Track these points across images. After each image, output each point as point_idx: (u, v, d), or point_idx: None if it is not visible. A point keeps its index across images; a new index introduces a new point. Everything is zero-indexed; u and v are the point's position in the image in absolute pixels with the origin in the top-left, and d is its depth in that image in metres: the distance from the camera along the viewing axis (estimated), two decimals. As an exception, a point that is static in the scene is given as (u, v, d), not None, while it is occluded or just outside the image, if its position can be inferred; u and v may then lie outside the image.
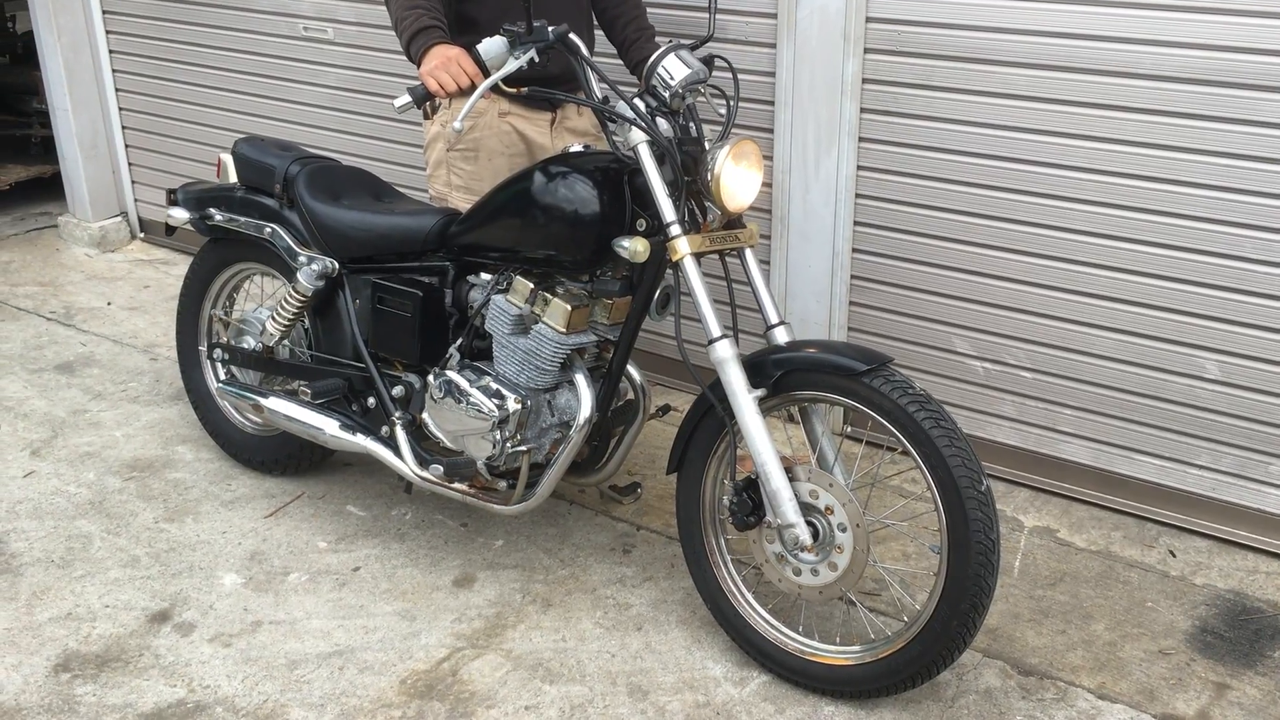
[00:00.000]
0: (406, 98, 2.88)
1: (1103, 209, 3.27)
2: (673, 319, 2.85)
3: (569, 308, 2.97)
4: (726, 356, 2.73)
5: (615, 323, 3.11)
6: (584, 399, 3.03)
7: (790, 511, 2.69)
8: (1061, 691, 2.83)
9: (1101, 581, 3.23)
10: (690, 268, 2.78)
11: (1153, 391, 3.36)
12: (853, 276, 3.77)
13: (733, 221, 2.89)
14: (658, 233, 2.80)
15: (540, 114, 3.47)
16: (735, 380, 2.73)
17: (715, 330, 2.76)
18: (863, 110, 3.57)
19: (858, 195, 3.67)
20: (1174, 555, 3.33)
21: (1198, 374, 3.27)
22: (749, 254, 2.95)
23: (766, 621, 2.91)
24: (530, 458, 3.10)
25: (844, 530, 2.69)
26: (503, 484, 3.16)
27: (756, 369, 2.77)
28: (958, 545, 2.56)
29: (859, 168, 3.64)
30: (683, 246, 2.76)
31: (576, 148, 3.02)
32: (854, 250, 3.74)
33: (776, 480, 2.70)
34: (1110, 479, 3.49)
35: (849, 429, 3.67)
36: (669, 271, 2.89)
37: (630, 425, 3.23)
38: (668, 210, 2.76)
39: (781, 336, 2.88)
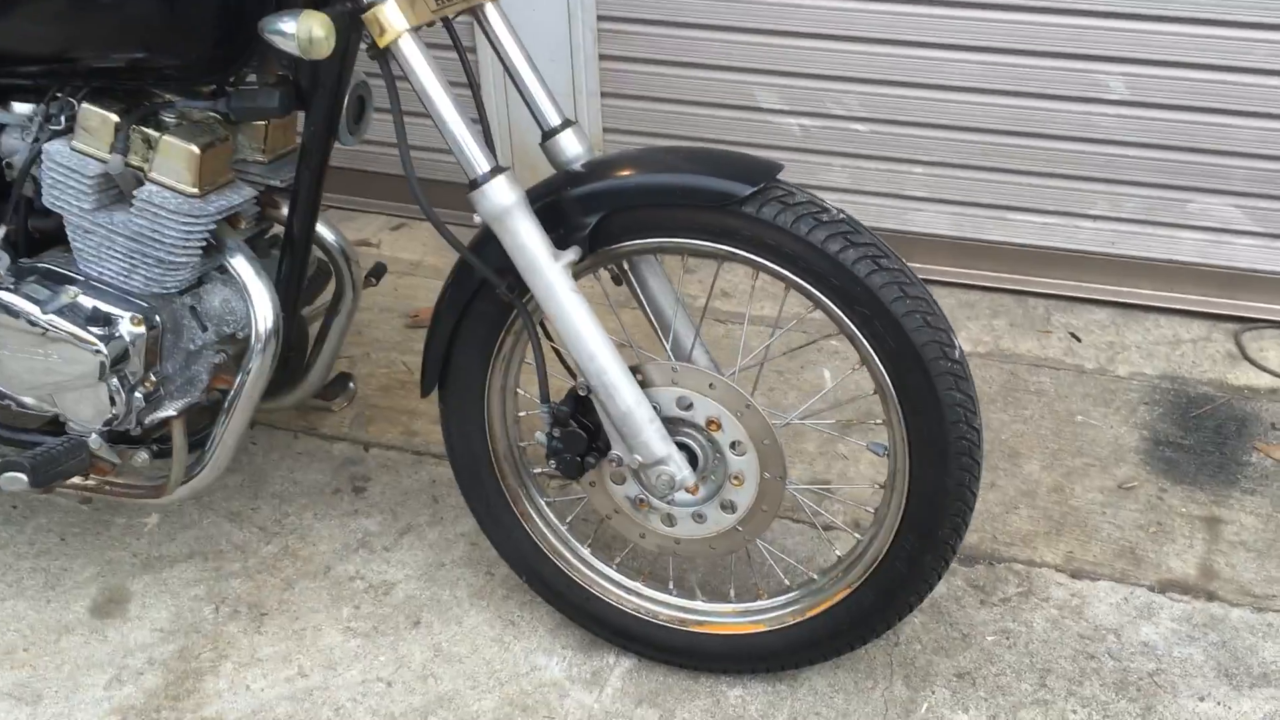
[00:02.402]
0: None
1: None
2: (394, 133, 1.62)
3: (194, 149, 1.68)
4: (507, 203, 1.57)
5: (278, 157, 1.85)
6: (255, 295, 1.79)
7: (655, 440, 1.64)
8: (1024, 580, 2.04)
9: (1009, 398, 2.43)
10: (413, 53, 1.55)
11: (1034, 128, 2.49)
12: (600, 18, 2.60)
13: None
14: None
15: None
16: (531, 242, 1.59)
17: (481, 163, 1.58)
18: None
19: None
20: (1079, 340, 2.57)
21: (1098, 95, 2.42)
22: (493, 11, 1.74)
23: (619, 585, 1.90)
24: (180, 407, 1.85)
25: (740, 451, 1.68)
26: (142, 455, 1.90)
27: (555, 214, 1.63)
28: (925, 444, 1.61)
29: None
30: (393, 18, 1.51)
31: None
32: (597, -21, 2.57)
33: (625, 394, 1.63)
34: (977, 250, 2.66)
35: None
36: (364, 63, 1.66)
37: (335, 313, 2.04)
38: (354, -45, 1.49)
39: (572, 146, 1.73)
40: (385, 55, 1.56)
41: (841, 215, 1.59)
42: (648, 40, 2.62)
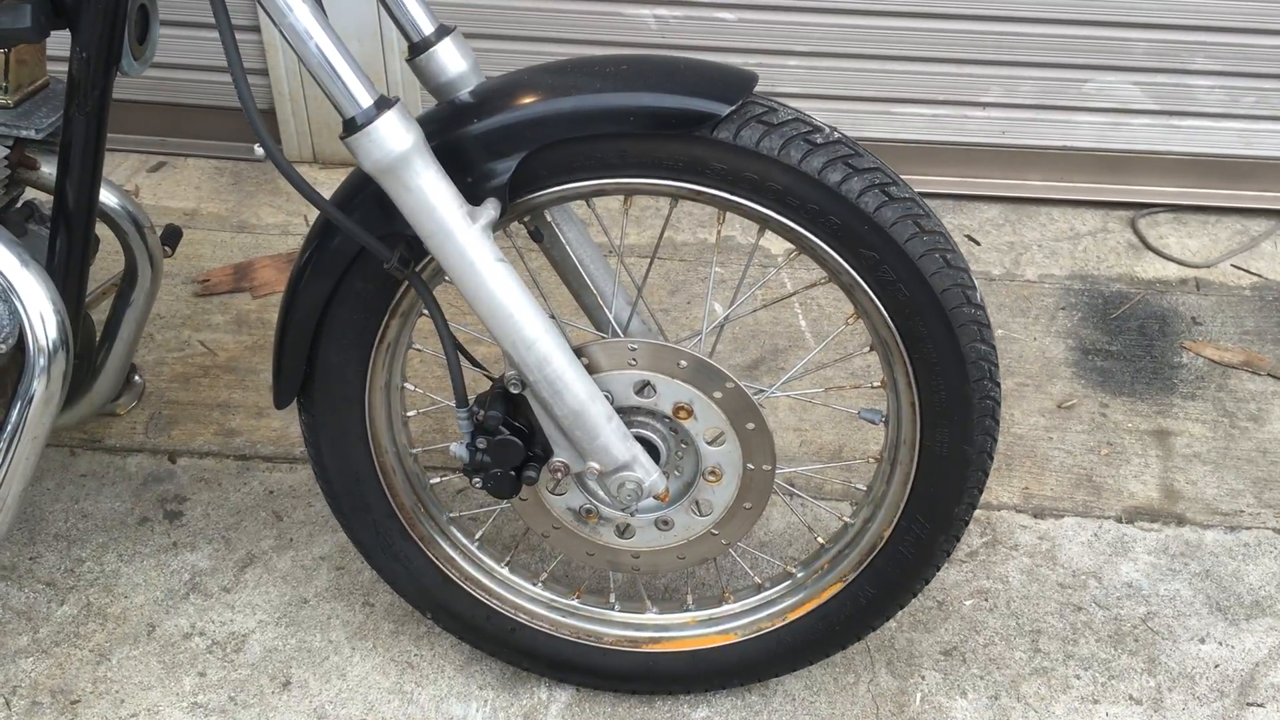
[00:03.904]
0: None
1: None
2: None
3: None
4: (402, 148, 1.12)
5: (25, 96, 1.34)
6: (26, 293, 1.28)
7: (615, 441, 1.26)
8: (987, 528, 1.81)
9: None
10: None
11: (920, 7, 2.20)
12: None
13: None
14: None
15: None
16: (438, 199, 1.15)
17: (362, 95, 1.12)
18: None
19: None
20: (977, 243, 2.34)
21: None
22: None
23: (550, 606, 1.52)
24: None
25: (719, 441, 1.33)
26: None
27: (456, 158, 1.19)
28: (942, 407, 1.31)
29: None
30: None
31: None
32: None
33: (575, 389, 1.23)
34: (857, 149, 2.36)
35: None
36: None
37: (126, 297, 1.54)
38: None
39: (454, 62, 1.28)
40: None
41: (837, 135, 1.24)
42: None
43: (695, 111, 1.18)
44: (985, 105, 2.31)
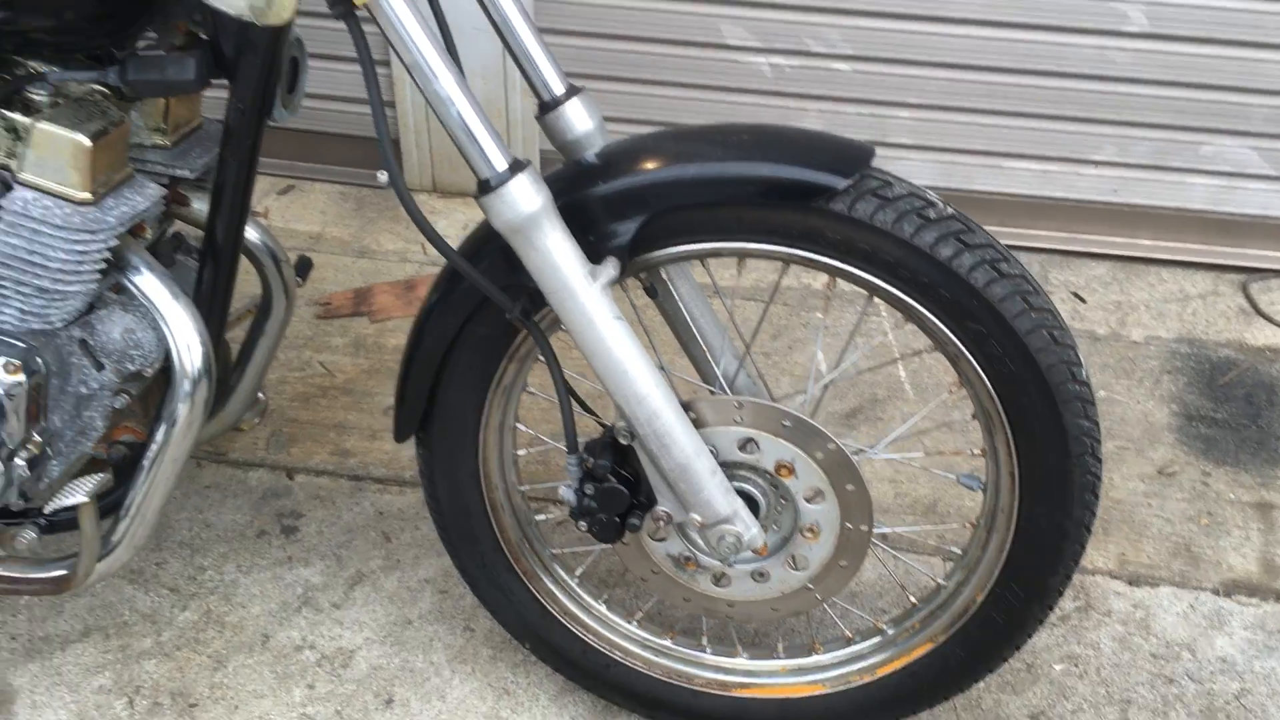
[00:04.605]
0: None
1: None
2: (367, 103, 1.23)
3: (83, 139, 1.24)
4: (532, 210, 1.19)
5: (182, 137, 1.43)
6: (175, 322, 1.36)
7: (718, 495, 1.31)
8: (1080, 592, 1.81)
9: (1023, 371, 2.18)
10: (403, 12, 1.13)
11: (1039, 65, 2.21)
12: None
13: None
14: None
15: None
16: (563, 259, 1.21)
17: (498, 158, 1.18)
18: None
19: None
20: (1083, 300, 2.33)
21: (1114, 28, 2.15)
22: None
23: (644, 645, 1.57)
24: (71, 466, 1.42)
25: (818, 499, 1.37)
26: (28, 534, 1.46)
27: (579, 217, 1.25)
28: (1041, 478, 1.33)
29: None
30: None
31: None
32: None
33: (682, 444, 1.28)
34: (966, 201, 2.33)
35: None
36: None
37: (261, 327, 1.63)
38: None
39: (581, 120, 1.34)
40: (348, 18, 1.15)
41: (951, 211, 1.27)
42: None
43: (813, 184, 1.22)
44: (1098, 163, 2.31)
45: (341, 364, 2.18)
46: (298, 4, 1.09)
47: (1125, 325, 2.29)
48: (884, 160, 1.31)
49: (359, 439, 2.03)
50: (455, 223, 2.48)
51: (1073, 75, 2.21)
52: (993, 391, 1.30)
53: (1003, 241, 1.34)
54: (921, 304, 1.28)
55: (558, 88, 1.35)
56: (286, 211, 2.57)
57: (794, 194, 1.23)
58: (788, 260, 1.30)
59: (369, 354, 2.21)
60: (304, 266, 1.73)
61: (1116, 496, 1.96)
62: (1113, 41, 2.16)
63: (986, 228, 2.27)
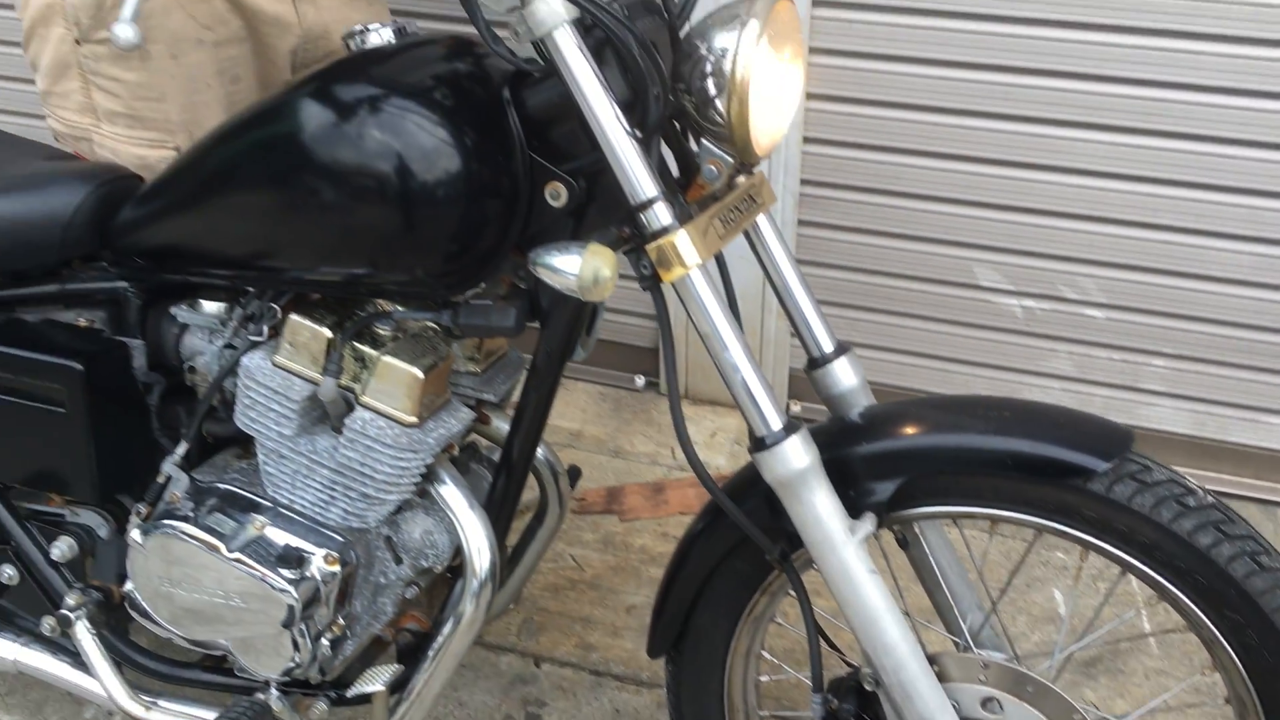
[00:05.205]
0: None
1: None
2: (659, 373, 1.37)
3: (417, 372, 1.44)
4: (801, 468, 1.30)
5: (490, 365, 1.62)
6: (470, 531, 1.53)
7: (960, 754, 1.36)
8: None
9: None
10: (702, 288, 1.29)
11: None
12: (803, 182, 2.37)
13: (737, 169, 1.40)
14: (622, 223, 1.28)
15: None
16: (826, 514, 1.31)
17: (774, 419, 1.31)
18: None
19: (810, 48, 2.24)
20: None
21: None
22: (764, 221, 1.49)
23: None
24: (360, 645, 1.60)
25: (1062, 767, 1.39)
26: (321, 706, 1.63)
27: (841, 473, 1.35)
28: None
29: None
30: (687, 252, 1.25)
31: (378, 32, 1.41)
32: (804, 139, 2.33)
33: (926, 697, 1.33)
34: (1219, 452, 2.35)
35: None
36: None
37: (534, 533, 1.79)
38: (643, 180, 1.24)
39: (847, 377, 1.45)
40: (657, 288, 1.32)
41: (1210, 500, 1.31)
42: (851, 208, 2.37)
43: (1073, 465, 1.28)
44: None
45: (590, 559, 2.33)
46: (614, 287, 1.25)
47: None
48: (1132, 405, 1.36)
49: (602, 634, 2.15)
50: (704, 429, 2.63)
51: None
52: (1248, 681, 1.30)
53: (1256, 495, 1.36)
54: (1177, 586, 1.30)
55: (827, 345, 1.48)
56: (553, 409, 2.77)
57: (1053, 473, 1.29)
58: (1041, 530, 1.36)
59: (616, 551, 2.35)
60: (574, 476, 1.90)
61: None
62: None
63: (1239, 478, 2.25)
